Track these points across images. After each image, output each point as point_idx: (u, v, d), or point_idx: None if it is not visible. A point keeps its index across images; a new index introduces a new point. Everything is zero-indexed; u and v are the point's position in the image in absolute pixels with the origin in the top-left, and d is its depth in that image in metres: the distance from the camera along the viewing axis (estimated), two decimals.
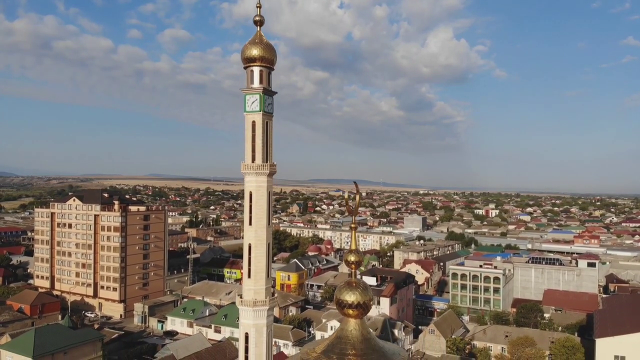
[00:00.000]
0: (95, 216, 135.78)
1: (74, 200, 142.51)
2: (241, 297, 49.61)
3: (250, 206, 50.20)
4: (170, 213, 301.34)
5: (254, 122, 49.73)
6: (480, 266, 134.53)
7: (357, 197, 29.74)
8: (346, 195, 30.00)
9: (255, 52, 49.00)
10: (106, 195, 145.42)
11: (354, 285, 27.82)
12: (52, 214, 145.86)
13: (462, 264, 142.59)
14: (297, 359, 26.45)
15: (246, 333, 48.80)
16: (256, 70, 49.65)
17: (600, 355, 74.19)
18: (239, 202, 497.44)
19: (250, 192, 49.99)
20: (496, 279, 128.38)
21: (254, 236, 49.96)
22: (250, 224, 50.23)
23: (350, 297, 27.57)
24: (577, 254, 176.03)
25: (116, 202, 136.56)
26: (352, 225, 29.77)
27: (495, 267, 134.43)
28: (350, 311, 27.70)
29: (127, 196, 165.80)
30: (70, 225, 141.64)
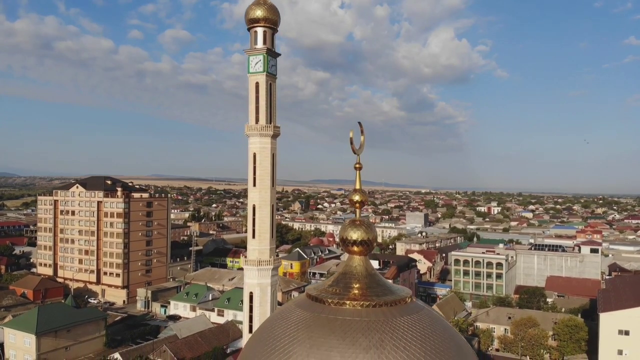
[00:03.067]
0: (99, 203, 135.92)
1: (77, 187, 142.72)
2: (245, 258, 49.89)
3: (254, 168, 50.46)
4: (173, 210, 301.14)
5: (257, 83, 49.96)
6: (483, 252, 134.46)
7: (362, 137, 30.10)
8: (351, 134, 30.08)
9: (259, 12, 49.28)
10: (109, 182, 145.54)
11: (358, 223, 28.18)
12: (55, 201, 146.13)
13: (464, 251, 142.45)
14: (302, 297, 26.58)
15: (250, 292, 48.98)
16: (260, 31, 49.92)
17: (605, 330, 73.70)
18: (241, 200, 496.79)
19: (254, 153, 50.18)
20: (499, 265, 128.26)
21: (258, 197, 50.16)
22: (254, 185, 50.45)
23: (355, 234, 27.72)
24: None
25: (119, 189, 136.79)
26: (357, 166, 30.03)
27: (498, 254, 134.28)
28: (355, 248, 27.85)
29: (130, 183, 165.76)
30: (73, 212, 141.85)
